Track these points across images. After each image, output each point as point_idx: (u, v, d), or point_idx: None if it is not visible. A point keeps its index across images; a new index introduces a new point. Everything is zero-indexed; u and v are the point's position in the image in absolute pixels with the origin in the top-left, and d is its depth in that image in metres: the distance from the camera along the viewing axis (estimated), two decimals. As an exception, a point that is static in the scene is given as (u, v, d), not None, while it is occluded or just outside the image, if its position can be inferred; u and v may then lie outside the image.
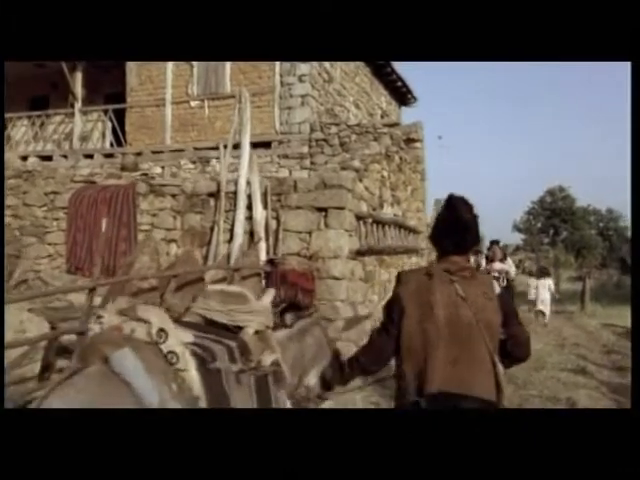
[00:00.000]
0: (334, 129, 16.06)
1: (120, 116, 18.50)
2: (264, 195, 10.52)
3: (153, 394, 3.17)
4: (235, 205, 10.59)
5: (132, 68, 18.01)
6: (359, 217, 10.70)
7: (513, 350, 2.86)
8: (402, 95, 23.77)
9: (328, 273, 10.05)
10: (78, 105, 19.10)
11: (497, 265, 12.82)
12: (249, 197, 10.57)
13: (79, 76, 19.03)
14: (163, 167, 17.11)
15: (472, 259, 35.16)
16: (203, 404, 3.51)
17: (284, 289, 8.70)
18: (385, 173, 12.72)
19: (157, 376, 3.29)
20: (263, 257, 10.10)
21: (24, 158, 18.62)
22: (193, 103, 17.49)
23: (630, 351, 3.38)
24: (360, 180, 11.09)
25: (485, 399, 2.61)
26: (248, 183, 10.63)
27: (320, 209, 10.22)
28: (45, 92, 21.39)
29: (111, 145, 18.89)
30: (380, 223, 11.86)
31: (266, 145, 16.37)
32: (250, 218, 10.49)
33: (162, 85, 17.80)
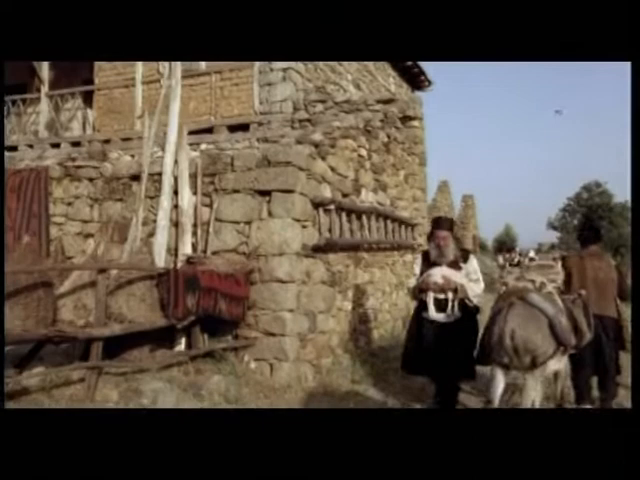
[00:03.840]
0: (320, 107, 13.76)
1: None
2: (194, 176, 8.33)
3: (556, 313, 5.57)
4: (161, 190, 8.42)
5: (99, 45, 15.98)
6: (318, 204, 8.43)
7: (620, 294, 6.84)
8: (414, 77, 21.33)
9: (271, 275, 7.81)
10: (44, 89, 17.13)
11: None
12: (177, 180, 8.39)
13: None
14: (133, 155, 15.09)
15: (507, 255, 32.90)
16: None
17: (192, 297, 6.49)
18: (364, 152, 10.41)
19: (552, 302, 5.77)
20: (186, 254, 7.93)
21: (-12, 149, 16.79)
22: (165, 82, 15.37)
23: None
24: (323, 158, 8.81)
25: (611, 316, 6.73)
26: (176, 162, 8.46)
27: (262, 192, 7.99)
28: (22, 79, 19.63)
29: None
30: (354, 212, 9.56)
31: (244, 128, 14.18)
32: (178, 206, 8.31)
33: (131, 63, 15.72)
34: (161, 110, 9.74)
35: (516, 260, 30.68)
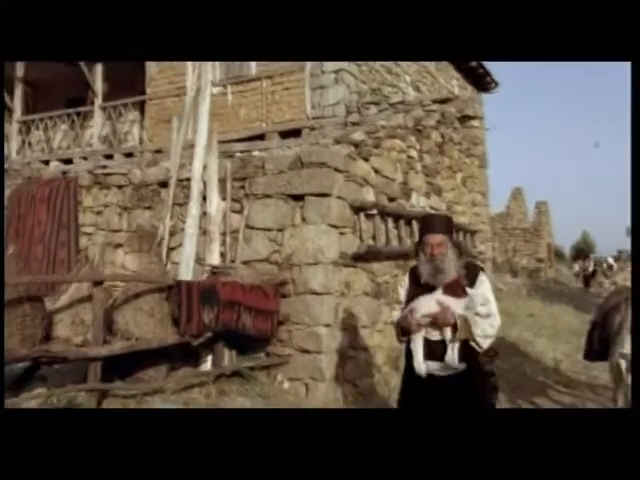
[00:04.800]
0: (374, 109, 13.03)
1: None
2: (223, 181, 7.74)
3: None
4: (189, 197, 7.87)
5: (150, 55, 15.71)
6: (359, 208, 7.71)
7: None
8: (479, 79, 20.33)
9: (305, 286, 7.12)
10: (98, 102, 17.01)
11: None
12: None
13: (99, 70, 16.95)
14: (184, 164, 14.72)
15: (582, 264, 31.26)
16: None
17: (209, 311, 5.86)
18: (414, 153, 9.63)
19: None
20: (212, 264, 7.33)
21: (46, 162, 16.77)
22: (215, 89, 14.94)
23: None
24: (365, 159, 8.09)
25: None
26: (205, 167, 7.89)
27: (295, 197, 7.32)
28: (80, 93, 19.68)
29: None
30: (402, 218, 8.78)
31: (296, 133, 13.59)
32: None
33: (183, 71, 15.37)
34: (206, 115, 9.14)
35: (590, 269, 29.03)
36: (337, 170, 7.33)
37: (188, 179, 7.97)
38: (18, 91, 17.11)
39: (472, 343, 3.91)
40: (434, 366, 3.96)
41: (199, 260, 7.65)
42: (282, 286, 7.14)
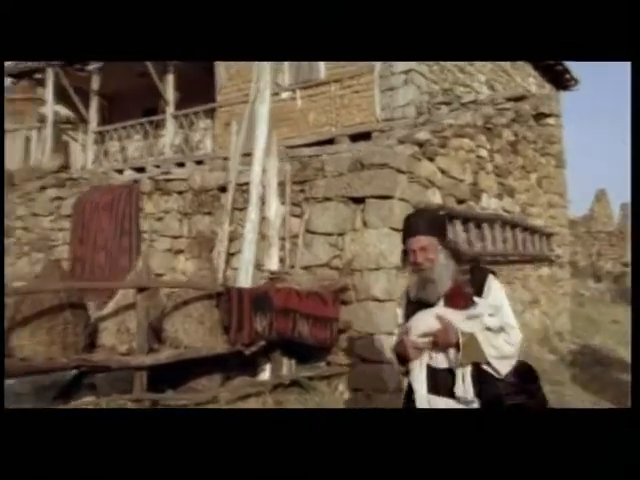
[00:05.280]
0: (445, 110, 12.62)
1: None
2: (283, 185, 7.52)
3: None
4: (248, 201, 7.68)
5: (220, 62, 15.74)
6: (424, 211, 7.33)
7: None
8: (558, 76, 19.55)
9: (367, 292, 6.81)
10: (170, 110, 17.18)
11: None
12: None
13: (170, 79, 17.13)
14: (243, 169, 14.63)
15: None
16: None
17: (262, 318, 5.63)
18: (484, 153, 9.17)
19: None
20: (270, 270, 7.11)
21: (120, 171, 17.05)
22: (284, 94, 14.82)
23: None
24: (430, 159, 7.72)
25: None
26: (265, 170, 7.68)
27: (356, 200, 7.03)
28: (156, 103, 20.00)
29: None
30: (471, 221, 8.36)
31: (366, 136, 13.31)
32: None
33: (251, 78, 15.34)
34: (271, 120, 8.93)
35: None
36: (400, 171, 7.00)
37: (247, 183, 7.78)
38: (94, 103, 17.45)
39: (487, 367, 2.95)
40: (440, 402, 2.98)
41: (258, 266, 7.45)
42: (343, 292, 6.85)
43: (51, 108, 16.83)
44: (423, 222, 3.19)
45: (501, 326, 2.99)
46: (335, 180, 7.18)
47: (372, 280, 6.80)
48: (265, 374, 6.69)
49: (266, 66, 8.42)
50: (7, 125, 15.97)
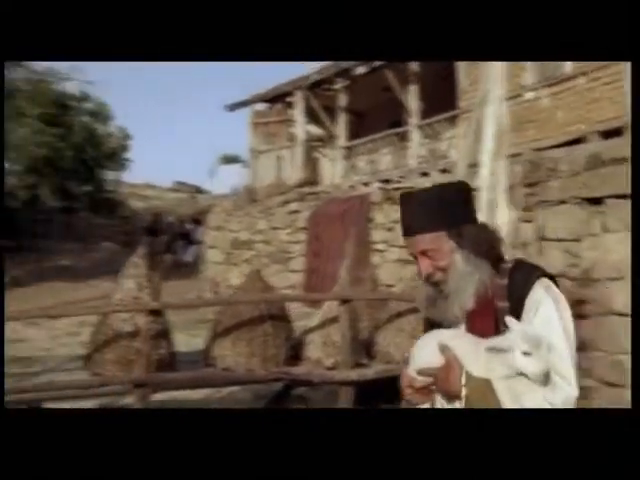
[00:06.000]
0: None
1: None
2: (512, 188, 6.98)
3: None
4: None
5: (461, 67, 15.40)
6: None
7: None
8: None
9: (607, 306, 6.05)
10: (414, 121, 17.15)
11: None
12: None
13: (413, 89, 17.12)
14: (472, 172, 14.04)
15: None
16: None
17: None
18: None
19: None
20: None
21: (366, 184, 17.45)
22: (527, 94, 14.06)
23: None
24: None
25: None
26: (493, 174, 7.22)
27: (593, 201, 6.30)
28: (401, 115, 20.21)
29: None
30: None
31: (618, 132, 12.16)
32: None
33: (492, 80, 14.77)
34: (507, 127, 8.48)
35: None
36: (646, 166, 6.14)
37: (476, 188, 7.37)
38: (341, 120, 18.01)
39: None
40: None
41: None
42: (580, 305, 6.15)
43: (301, 128, 17.69)
44: (420, 210, 2.00)
45: (545, 372, 1.78)
46: (570, 180, 6.51)
47: (614, 291, 6.03)
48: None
49: (495, 66, 7.94)
50: (261, 146, 17.06)
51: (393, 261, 8.30)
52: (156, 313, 4.58)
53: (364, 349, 5.18)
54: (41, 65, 18.36)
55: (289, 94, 18.23)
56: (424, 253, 1.96)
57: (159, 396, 4.60)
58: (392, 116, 20.21)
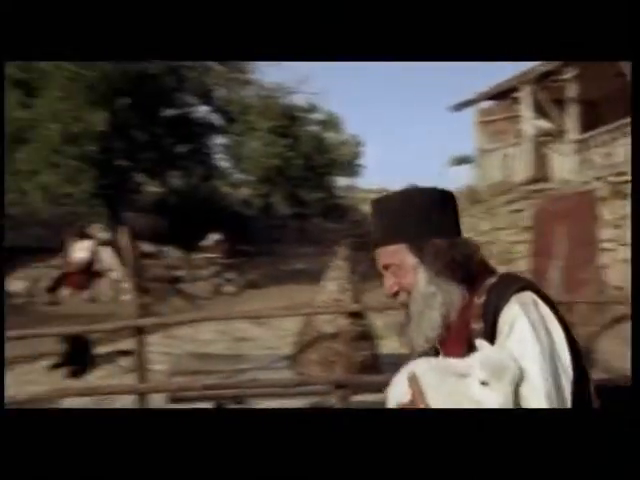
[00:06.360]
0: None
1: None
2: None
3: None
4: None
5: None
6: None
7: None
8: None
9: None
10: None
11: None
12: None
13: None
14: None
15: None
16: None
17: None
18: None
19: None
20: None
21: (598, 179, 16.42)
22: None
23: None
24: None
25: None
26: None
27: None
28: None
29: None
30: None
31: None
32: None
33: None
34: None
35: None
36: None
37: None
38: (572, 111, 17.08)
39: None
40: None
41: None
42: None
43: (529, 123, 17.03)
44: (383, 219, 1.77)
45: (507, 406, 1.52)
46: None
47: None
48: None
49: None
50: (487, 145, 16.76)
51: (622, 261, 7.65)
52: (357, 315, 4.64)
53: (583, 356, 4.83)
54: (270, 81, 19.62)
55: (515, 89, 17.68)
56: (386, 268, 1.74)
57: (360, 398, 4.68)
58: (629, 104, 18.78)
